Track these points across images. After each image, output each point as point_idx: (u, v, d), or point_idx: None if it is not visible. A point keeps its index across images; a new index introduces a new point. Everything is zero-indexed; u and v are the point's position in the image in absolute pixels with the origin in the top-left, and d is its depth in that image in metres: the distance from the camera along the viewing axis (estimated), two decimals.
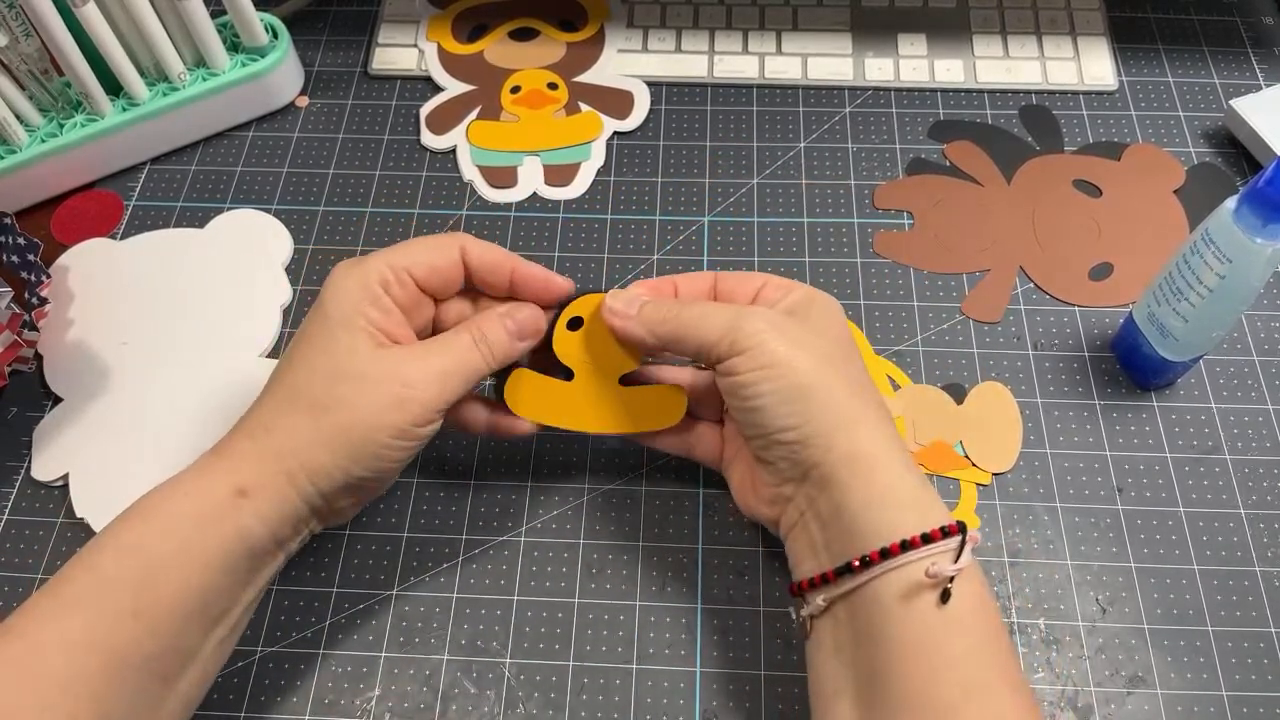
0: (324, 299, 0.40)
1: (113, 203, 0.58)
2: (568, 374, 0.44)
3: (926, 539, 0.35)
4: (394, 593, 0.46)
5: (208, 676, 0.38)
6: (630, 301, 0.42)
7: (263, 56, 0.59)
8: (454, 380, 0.39)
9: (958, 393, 0.50)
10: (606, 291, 0.42)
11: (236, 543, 0.37)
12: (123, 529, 0.36)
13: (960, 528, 0.35)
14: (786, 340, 0.38)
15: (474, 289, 0.44)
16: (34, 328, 0.51)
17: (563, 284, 0.43)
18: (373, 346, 0.39)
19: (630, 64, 0.63)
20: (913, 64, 0.62)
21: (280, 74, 0.60)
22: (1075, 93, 0.61)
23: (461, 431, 0.44)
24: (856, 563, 0.35)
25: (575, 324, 0.43)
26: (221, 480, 0.37)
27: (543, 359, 0.44)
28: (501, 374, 0.44)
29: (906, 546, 0.35)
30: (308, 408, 0.38)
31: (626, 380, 0.43)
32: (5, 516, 0.48)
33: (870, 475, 0.37)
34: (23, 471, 0.49)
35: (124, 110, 0.57)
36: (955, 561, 0.34)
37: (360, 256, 0.41)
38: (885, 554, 0.35)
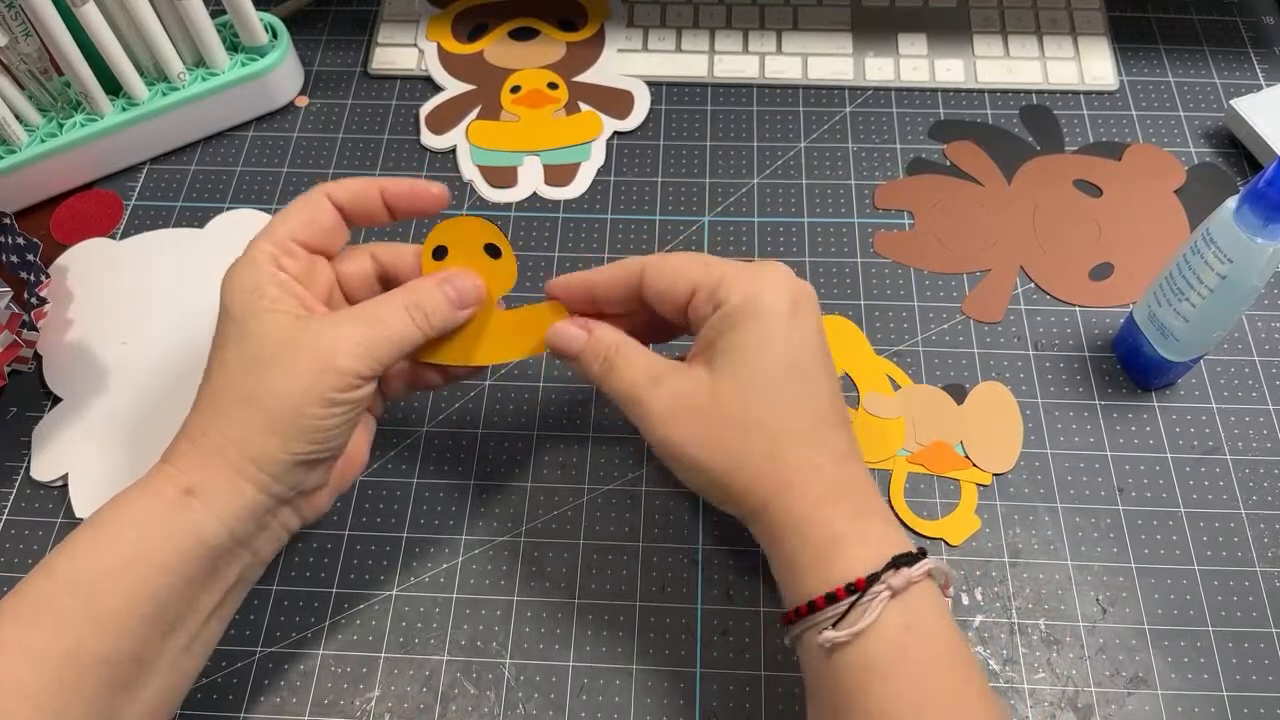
0: (221, 301, 0.39)
1: (112, 203, 0.58)
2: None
3: (799, 614, 0.36)
4: (394, 593, 0.46)
5: (174, 688, 0.37)
6: (573, 339, 0.41)
7: (262, 56, 0.59)
8: (380, 347, 0.38)
9: (958, 393, 0.50)
10: (471, 216, 0.41)
11: (190, 541, 0.35)
12: (78, 538, 0.36)
13: (828, 599, 0.34)
14: (667, 423, 0.38)
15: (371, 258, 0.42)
16: (33, 328, 0.51)
17: (436, 191, 0.41)
18: (289, 322, 0.37)
19: (630, 64, 0.63)
20: (913, 64, 0.62)
21: (280, 74, 0.60)
22: (1076, 93, 0.61)
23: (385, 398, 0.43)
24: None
25: (440, 254, 0.41)
26: (168, 483, 0.36)
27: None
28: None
29: (799, 615, 0.36)
30: (234, 404, 0.37)
31: (509, 302, 0.43)
32: (5, 516, 0.48)
33: (776, 543, 0.37)
34: (22, 471, 0.49)
35: (124, 110, 0.57)
36: (836, 626, 0.34)
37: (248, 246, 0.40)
38: (797, 614, 0.36)
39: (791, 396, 0.37)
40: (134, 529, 0.35)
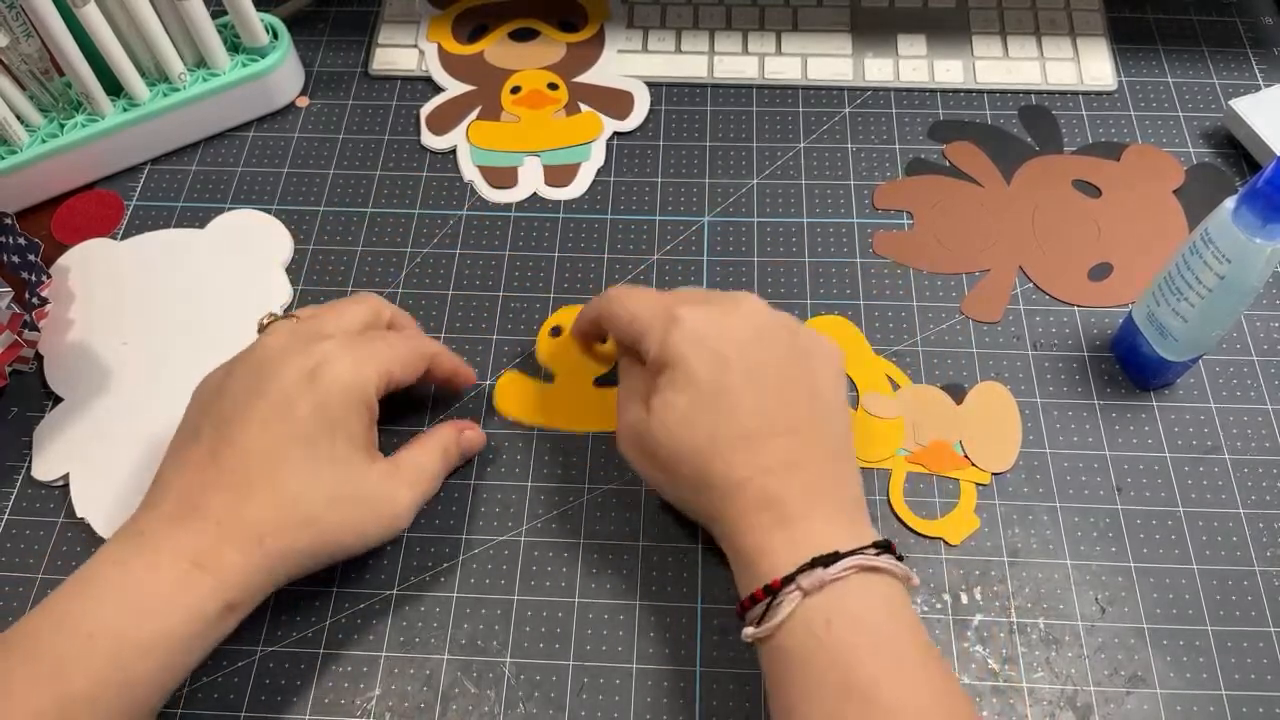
0: (330, 400, 0.40)
1: (113, 203, 0.59)
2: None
3: (743, 608, 0.39)
4: (394, 593, 0.46)
5: None
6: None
7: (263, 57, 0.59)
8: (426, 498, 0.44)
9: (957, 393, 0.50)
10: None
11: (216, 643, 0.38)
12: (97, 650, 0.36)
13: (756, 597, 0.37)
14: (624, 446, 0.44)
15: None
16: (34, 328, 0.52)
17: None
18: (369, 461, 0.42)
19: (630, 64, 0.63)
20: (912, 64, 0.62)
21: (280, 74, 0.60)
22: (1075, 93, 0.61)
23: None
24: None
25: (556, 332, 0.48)
26: (211, 599, 0.38)
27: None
28: (491, 378, 0.49)
29: (746, 604, 0.38)
30: (305, 521, 0.40)
31: (601, 382, 0.48)
32: (5, 516, 0.48)
33: (727, 552, 0.41)
34: (23, 471, 0.49)
35: (124, 110, 0.57)
36: (758, 625, 0.37)
37: (356, 351, 0.42)
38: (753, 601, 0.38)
39: (704, 427, 0.40)
40: (170, 647, 0.37)
